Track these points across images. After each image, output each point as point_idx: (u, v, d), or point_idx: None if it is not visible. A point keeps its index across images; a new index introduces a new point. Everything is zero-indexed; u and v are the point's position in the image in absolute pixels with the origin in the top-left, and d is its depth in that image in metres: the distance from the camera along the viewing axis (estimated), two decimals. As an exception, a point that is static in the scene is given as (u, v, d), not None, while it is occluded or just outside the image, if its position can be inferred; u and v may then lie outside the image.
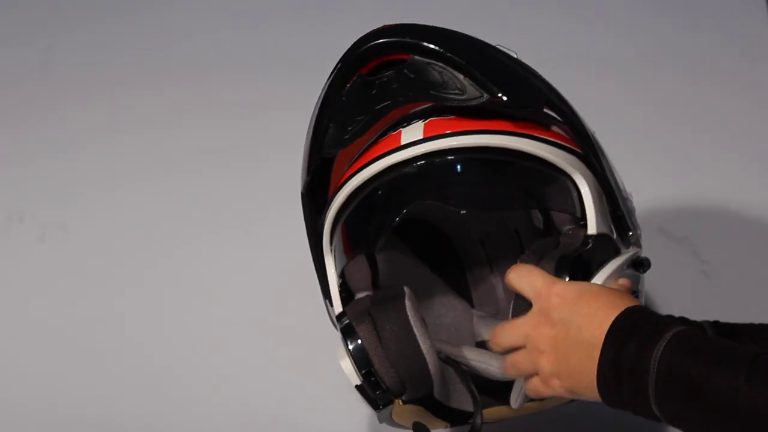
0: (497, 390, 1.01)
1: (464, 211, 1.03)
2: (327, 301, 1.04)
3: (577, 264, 0.93)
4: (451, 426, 1.02)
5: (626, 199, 1.00)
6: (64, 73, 1.71)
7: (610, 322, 0.84)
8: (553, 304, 0.88)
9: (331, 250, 1.02)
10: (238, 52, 1.71)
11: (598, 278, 0.92)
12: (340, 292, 1.02)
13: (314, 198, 1.03)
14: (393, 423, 1.02)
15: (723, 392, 0.76)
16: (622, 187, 1.00)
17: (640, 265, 0.97)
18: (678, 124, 1.51)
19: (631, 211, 1.00)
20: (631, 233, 0.99)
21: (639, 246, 1.00)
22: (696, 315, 1.05)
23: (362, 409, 1.23)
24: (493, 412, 1.02)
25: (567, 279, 0.91)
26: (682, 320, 0.99)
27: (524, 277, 0.91)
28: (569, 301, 0.87)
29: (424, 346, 0.97)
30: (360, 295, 1.04)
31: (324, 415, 1.23)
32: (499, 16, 1.63)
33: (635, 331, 0.82)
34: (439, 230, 1.17)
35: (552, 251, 0.95)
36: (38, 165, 1.58)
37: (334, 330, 1.27)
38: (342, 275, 1.02)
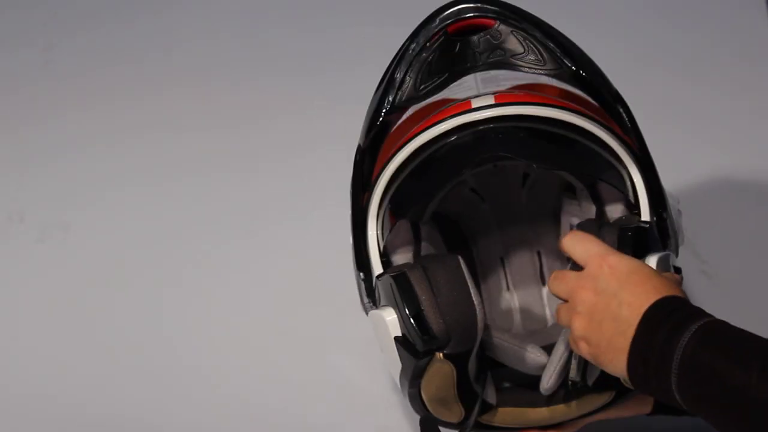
0: (530, 387, 1.02)
1: (536, 165, 1.03)
2: (361, 273, 1.04)
3: (637, 240, 0.95)
4: (466, 413, 0.99)
5: (674, 207, 1.03)
6: (65, 74, 1.71)
7: (649, 306, 0.85)
8: (603, 273, 0.88)
9: (379, 215, 1.03)
10: (240, 54, 1.71)
11: (653, 258, 0.94)
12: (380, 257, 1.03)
13: (366, 159, 1.04)
14: (416, 398, 0.99)
15: (738, 383, 0.77)
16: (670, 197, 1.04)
17: (677, 271, 0.99)
18: (677, 125, 1.51)
19: (675, 218, 1.03)
20: (673, 240, 1.01)
21: (677, 254, 1.02)
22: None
23: (362, 409, 1.23)
24: (519, 415, 1.02)
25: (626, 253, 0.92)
26: None
27: (579, 243, 0.92)
28: (619, 274, 0.87)
29: (476, 299, 0.97)
30: (401, 261, 1.04)
31: (324, 415, 1.23)
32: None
33: (668, 320, 0.83)
34: (463, 243, 1.17)
35: (611, 226, 0.98)
36: (38, 165, 1.58)
37: (337, 328, 1.28)
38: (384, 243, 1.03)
